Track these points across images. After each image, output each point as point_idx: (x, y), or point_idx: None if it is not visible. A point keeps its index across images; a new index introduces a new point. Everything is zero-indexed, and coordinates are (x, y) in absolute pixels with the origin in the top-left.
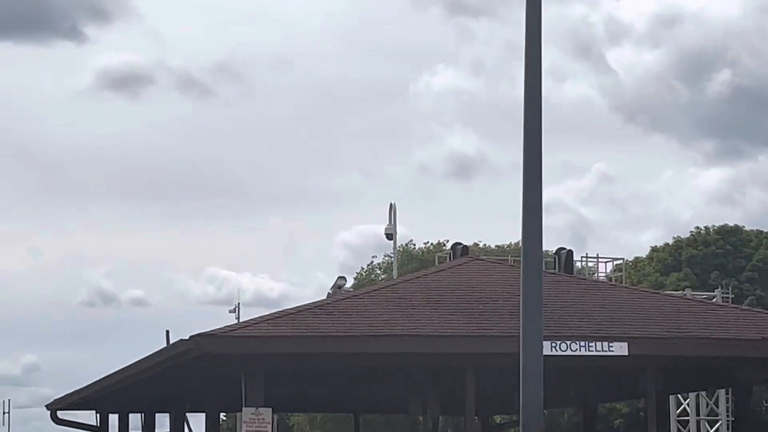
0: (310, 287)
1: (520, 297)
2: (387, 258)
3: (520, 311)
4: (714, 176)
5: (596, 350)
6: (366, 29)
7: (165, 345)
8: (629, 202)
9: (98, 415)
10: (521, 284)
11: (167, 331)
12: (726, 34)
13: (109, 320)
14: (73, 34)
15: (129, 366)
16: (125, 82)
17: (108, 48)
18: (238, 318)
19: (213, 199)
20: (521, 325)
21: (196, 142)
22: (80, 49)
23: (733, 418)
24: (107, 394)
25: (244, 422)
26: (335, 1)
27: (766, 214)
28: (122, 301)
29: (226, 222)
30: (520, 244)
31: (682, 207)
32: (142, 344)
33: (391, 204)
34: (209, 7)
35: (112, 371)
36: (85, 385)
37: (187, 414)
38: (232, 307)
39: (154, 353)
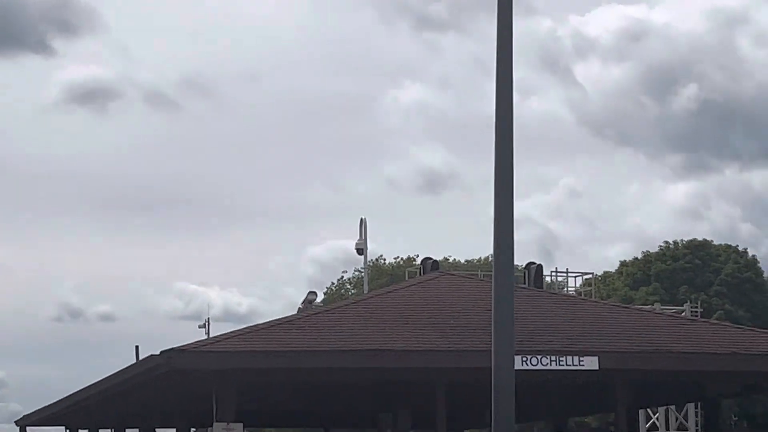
0: (280, 302)
1: (492, 311)
2: (357, 273)
3: (492, 325)
4: (681, 190)
5: (567, 364)
6: (334, 44)
7: (134, 360)
8: (597, 216)
9: (68, 430)
10: (492, 298)
11: (137, 347)
12: (692, 48)
13: (78, 336)
14: (41, 47)
15: (99, 382)
16: (92, 96)
17: (75, 62)
18: (208, 333)
19: (181, 214)
20: (492, 339)
21: (164, 156)
22: (47, 63)
23: None
24: (77, 410)
25: None
26: (304, 16)
27: (733, 228)
28: (90, 316)
29: (194, 237)
30: (491, 259)
31: (649, 221)
32: (111, 359)
33: (361, 219)
34: (177, 21)
35: (82, 387)
36: (54, 401)
37: (157, 429)
38: (201, 322)
39: (125, 369)
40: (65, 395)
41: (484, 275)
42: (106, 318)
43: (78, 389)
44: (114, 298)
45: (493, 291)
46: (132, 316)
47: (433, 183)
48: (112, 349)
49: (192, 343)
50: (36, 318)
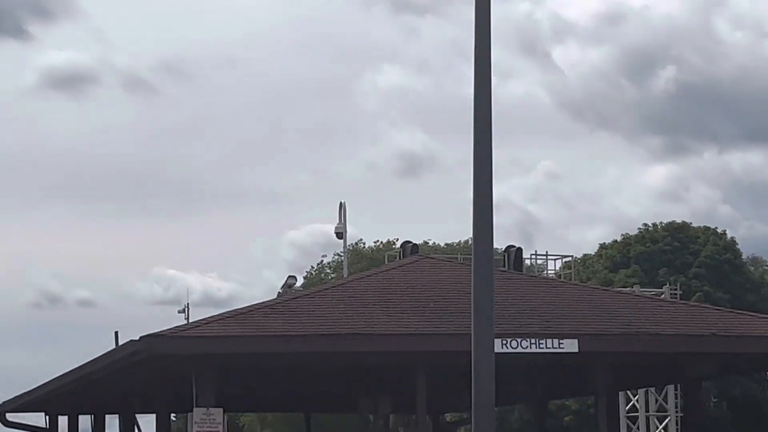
0: (259, 287)
1: (471, 295)
2: (337, 257)
3: (471, 309)
4: (660, 173)
5: (546, 347)
6: (312, 27)
7: (113, 346)
8: (576, 199)
9: (47, 417)
10: (472, 282)
11: (116, 332)
12: (670, 31)
13: (57, 322)
14: (18, 32)
15: (78, 368)
16: (70, 81)
17: (52, 47)
18: (187, 318)
19: (160, 198)
20: (472, 322)
21: (142, 140)
22: (24, 48)
23: (682, 414)
24: (56, 396)
25: (195, 423)
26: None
27: (712, 211)
28: (69, 302)
29: (173, 221)
30: (471, 242)
31: (628, 204)
32: (90, 345)
33: (340, 203)
34: (154, 5)
35: (61, 373)
36: (33, 387)
37: (137, 415)
38: (180, 308)
39: (104, 354)
40: (44, 381)
41: (464, 258)
42: (85, 304)
43: (57, 375)
44: (93, 283)
45: (472, 274)
46: (111, 302)
47: (412, 166)
48: (91, 334)
49: (171, 328)
50: (14, 304)
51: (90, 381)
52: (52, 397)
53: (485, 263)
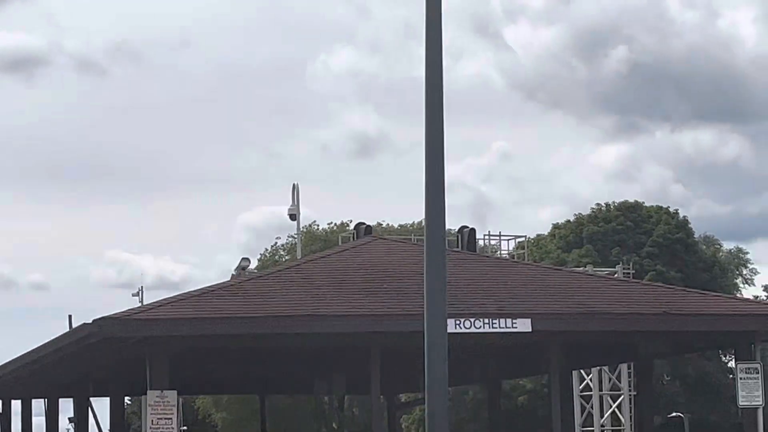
0: (213, 270)
1: (424, 275)
2: (291, 239)
3: (424, 289)
4: (612, 152)
5: (500, 327)
6: (264, 9)
7: (67, 330)
8: (529, 179)
9: (0, 401)
10: (425, 262)
11: (69, 316)
12: (621, 11)
13: (9, 305)
14: None
15: (31, 351)
16: (20, 64)
17: (2, 29)
18: (141, 301)
19: (112, 181)
20: (425, 303)
21: (94, 123)
22: None
23: (635, 393)
24: (9, 381)
25: (149, 405)
26: None
27: (664, 190)
28: (22, 285)
29: (125, 204)
30: (424, 223)
31: (581, 184)
32: (43, 329)
33: (294, 184)
34: None
35: (13, 357)
36: None
37: (91, 398)
38: (134, 291)
39: (57, 338)
40: None
41: (417, 240)
42: (39, 287)
43: (10, 359)
44: (46, 267)
45: (425, 255)
46: (64, 286)
47: (365, 148)
48: (44, 318)
49: (124, 311)
50: None
51: (44, 364)
52: (5, 381)
53: (437, 244)
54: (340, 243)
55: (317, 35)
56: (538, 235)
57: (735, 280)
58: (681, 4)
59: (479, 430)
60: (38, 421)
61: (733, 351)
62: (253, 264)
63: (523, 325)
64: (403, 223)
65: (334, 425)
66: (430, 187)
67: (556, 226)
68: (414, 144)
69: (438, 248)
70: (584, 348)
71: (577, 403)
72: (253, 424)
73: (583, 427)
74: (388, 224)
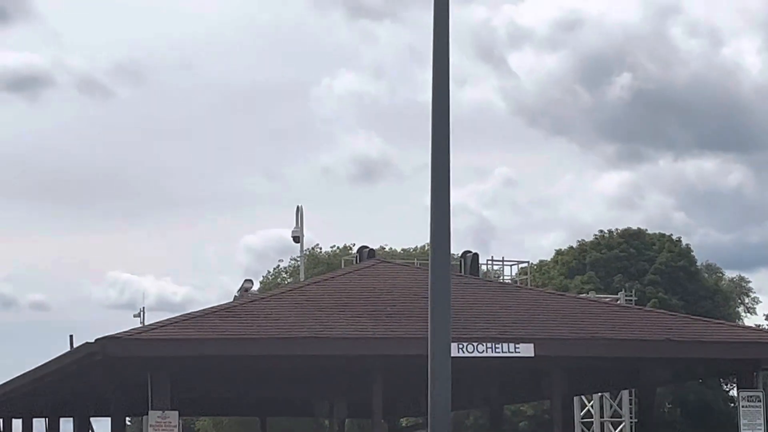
0: (215, 291)
1: (429, 299)
2: (293, 262)
3: (429, 313)
4: (615, 180)
5: (503, 351)
6: (269, 31)
7: (68, 349)
8: (532, 205)
9: (1, 420)
10: (429, 286)
11: (71, 336)
12: (626, 38)
13: (10, 324)
14: None
15: (33, 370)
16: (25, 83)
17: (7, 48)
18: (143, 322)
19: (114, 202)
20: (429, 326)
21: (97, 144)
22: None
23: (636, 420)
24: (10, 399)
25: (150, 426)
26: (238, 3)
27: (667, 218)
28: (22, 304)
29: (128, 225)
30: (427, 247)
31: (583, 210)
32: (43, 349)
33: (298, 207)
34: (109, 8)
35: (15, 376)
36: None
37: (92, 418)
38: (136, 312)
39: (59, 357)
40: None
41: (420, 263)
42: (39, 307)
43: (11, 378)
44: (47, 286)
45: (430, 278)
46: (65, 305)
47: (368, 171)
48: (45, 338)
49: (127, 331)
50: None
51: (45, 383)
52: (6, 400)
53: (442, 267)
54: (342, 266)
55: (321, 59)
56: (540, 261)
57: (737, 309)
58: (685, 32)
59: None
60: None
61: (735, 379)
62: (256, 286)
63: (526, 350)
64: (405, 247)
65: None
66: (435, 211)
67: (558, 252)
68: (417, 168)
69: (443, 272)
70: (586, 374)
71: (578, 429)
72: None
73: None
74: (391, 248)
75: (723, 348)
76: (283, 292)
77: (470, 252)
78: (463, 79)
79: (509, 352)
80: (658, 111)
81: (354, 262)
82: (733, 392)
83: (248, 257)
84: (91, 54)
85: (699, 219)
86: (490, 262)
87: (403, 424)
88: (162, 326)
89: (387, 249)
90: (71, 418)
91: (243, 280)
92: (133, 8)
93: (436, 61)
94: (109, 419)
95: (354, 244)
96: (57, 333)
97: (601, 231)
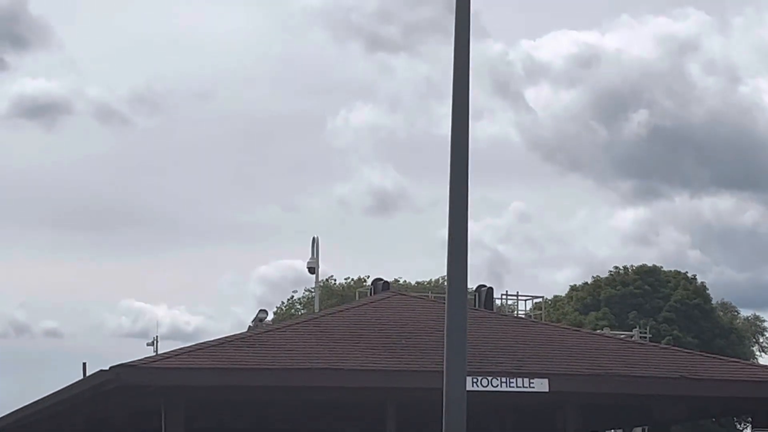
0: (228, 321)
1: (445, 331)
2: (307, 293)
3: (444, 346)
4: (630, 216)
5: (517, 386)
6: (286, 63)
7: (80, 377)
8: (546, 240)
9: None
10: (446, 319)
11: (84, 363)
12: (642, 74)
13: (23, 352)
14: None
15: (46, 397)
16: (42, 111)
17: (25, 75)
18: (156, 351)
19: (129, 231)
20: (445, 359)
21: (113, 172)
22: None
23: None
24: (23, 426)
25: None
26: (256, 35)
27: (682, 255)
28: (36, 332)
29: (142, 254)
30: (442, 280)
31: (598, 246)
32: (56, 376)
33: (313, 238)
34: (129, 37)
35: (26, 403)
36: None
37: None
38: (148, 340)
39: (73, 384)
40: (9, 412)
41: (434, 297)
42: (52, 334)
43: (23, 405)
44: (60, 314)
45: (446, 312)
46: (78, 333)
47: (383, 204)
48: (58, 365)
49: (142, 359)
50: None
51: (57, 411)
52: (19, 427)
53: (459, 300)
54: (357, 298)
55: (338, 91)
56: (555, 297)
57: (752, 348)
58: (702, 69)
59: None
60: None
61: (749, 418)
62: (269, 317)
63: (541, 385)
64: (420, 280)
65: None
66: (453, 244)
67: (573, 288)
68: (432, 201)
69: (459, 305)
70: (600, 410)
71: None
72: None
73: None
74: (405, 281)
75: (738, 387)
76: (297, 323)
77: (485, 286)
78: (480, 114)
79: (524, 386)
80: (674, 148)
81: (368, 295)
82: (748, 431)
83: (261, 288)
84: (110, 83)
85: (714, 257)
86: (504, 297)
87: None
88: (176, 355)
89: (401, 282)
90: None
91: (257, 310)
92: (151, 38)
93: (456, 96)
94: None
95: (368, 277)
96: (70, 360)
97: (616, 267)
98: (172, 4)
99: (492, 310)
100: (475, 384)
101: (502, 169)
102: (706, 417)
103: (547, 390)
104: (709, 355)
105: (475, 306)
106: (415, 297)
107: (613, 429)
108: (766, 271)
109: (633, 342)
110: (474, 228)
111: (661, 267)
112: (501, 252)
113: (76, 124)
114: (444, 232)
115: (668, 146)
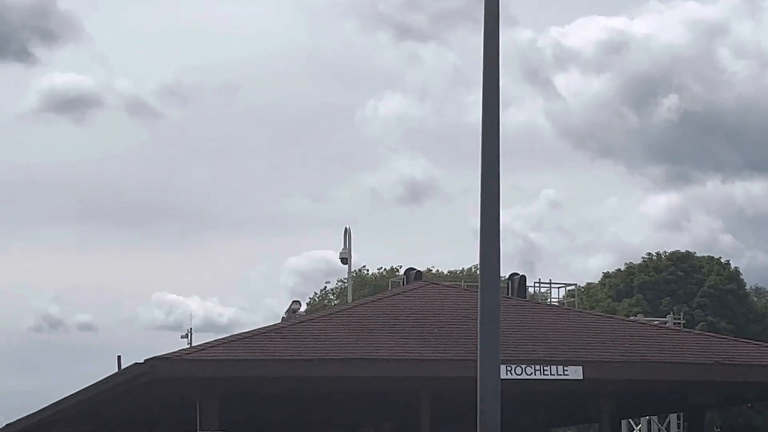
0: (261, 313)
1: (478, 320)
2: (340, 283)
3: (478, 334)
4: (662, 202)
5: (551, 374)
6: (315, 54)
7: (115, 371)
8: (578, 227)
9: None
10: (479, 307)
11: (119, 357)
12: (672, 60)
13: (57, 346)
14: (23, 55)
15: (82, 390)
16: (72, 105)
17: (55, 69)
18: (190, 343)
19: (161, 224)
20: (478, 348)
21: (143, 165)
22: (29, 71)
23: None
24: (59, 420)
25: None
26: (284, 26)
27: (714, 240)
28: (70, 326)
29: (174, 246)
30: (474, 269)
31: (629, 233)
32: (90, 370)
33: (346, 228)
34: (158, 30)
35: (63, 397)
36: (33, 411)
37: None
38: (182, 333)
39: (108, 377)
40: (44, 405)
41: (467, 285)
42: (86, 328)
43: (58, 399)
44: (94, 308)
45: (479, 300)
46: (112, 326)
47: (414, 193)
48: (92, 359)
49: (176, 351)
50: (15, 329)
51: (92, 404)
52: (55, 421)
53: (492, 289)
54: (390, 288)
55: (367, 81)
56: (588, 284)
57: None
58: (732, 53)
59: None
60: None
61: None
62: (302, 308)
63: (575, 373)
64: (452, 269)
65: None
66: (485, 232)
67: (606, 275)
68: (463, 190)
69: (492, 293)
70: (634, 397)
71: None
72: None
73: None
74: (437, 270)
75: None
76: (331, 314)
77: (517, 274)
78: (509, 101)
79: (558, 374)
80: (705, 133)
81: (401, 284)
82: None
83: (294, 279)
84: (139, 76)
85: (747, 242)
86: (537, 285)
87: None
88: (211, 347)
89: (434, 271)
90: None
91: (290, 301)
92: (181, 31)
93: (486, 83)
94: None
95: (401, 266)
96: (104, 354)
97: (649, 254)
98: None
99: (525, 298)
100: (509, 372)
101: (532, 157)
102: (740, 402)
103: (581, 377)
104: (743, 340)
105: (508, 294)
106: (447, 286)
107: (648, 416)
108: None
109: (667, 328)
110: (505, 216)
111: (694, 252)
112: (532, 240)
113: (106, 117)
114: (475, 221)
115: (699, 131)
